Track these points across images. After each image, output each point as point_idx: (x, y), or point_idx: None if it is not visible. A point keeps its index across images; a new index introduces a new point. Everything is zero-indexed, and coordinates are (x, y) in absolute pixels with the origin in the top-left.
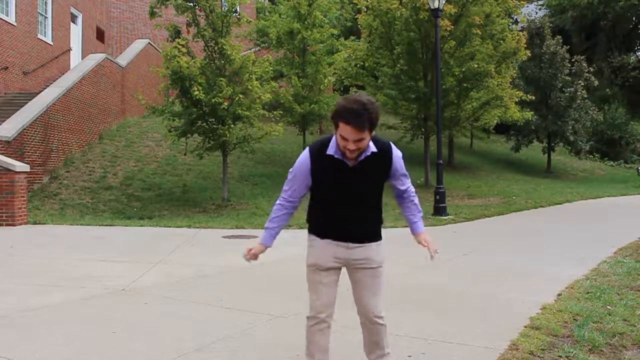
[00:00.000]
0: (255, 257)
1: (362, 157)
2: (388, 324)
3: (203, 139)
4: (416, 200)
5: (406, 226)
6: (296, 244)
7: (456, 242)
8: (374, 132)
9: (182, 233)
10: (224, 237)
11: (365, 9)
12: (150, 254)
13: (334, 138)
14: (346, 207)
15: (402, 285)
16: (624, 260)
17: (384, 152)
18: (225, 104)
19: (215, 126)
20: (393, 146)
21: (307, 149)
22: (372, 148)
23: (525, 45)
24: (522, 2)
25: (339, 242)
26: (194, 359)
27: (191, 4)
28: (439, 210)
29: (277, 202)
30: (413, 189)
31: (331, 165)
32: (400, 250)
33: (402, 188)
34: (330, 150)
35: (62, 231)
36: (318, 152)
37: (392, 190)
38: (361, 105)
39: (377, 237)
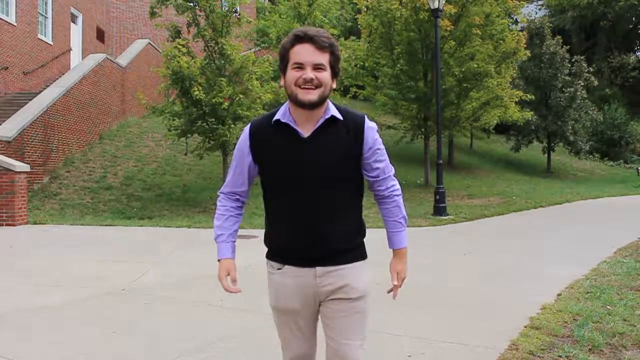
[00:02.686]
0: (235, 284)
1: (321, 121)
2: (388, 324)
3: (203, 139)
4: (400, 200)
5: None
6: None
7: (456, 242)
8: (335, 80)
9: (182, 233)
10: None
11: (365, 9)
12: (150, 254)
13: (285, 104)
14: (304, 202)
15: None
16: (624, 260)
17: (352, 121)
18: (226, 104)
19: (215, 126)
20: (367, 118)
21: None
22: (334, 111)
23: (525, 45)
24: (522, 2)
25: (303, 267)
26: (194, 359)
27: (191, 4)
28: (439, 210)
29: (219, 201)
30: (397, 185)
31: (278, 135)
32: None
33: (376, 177)
34: (279, 114)
35: (62, 231)
36: (261, 123)
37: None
38: (316, 30)
39: (357, 253)
